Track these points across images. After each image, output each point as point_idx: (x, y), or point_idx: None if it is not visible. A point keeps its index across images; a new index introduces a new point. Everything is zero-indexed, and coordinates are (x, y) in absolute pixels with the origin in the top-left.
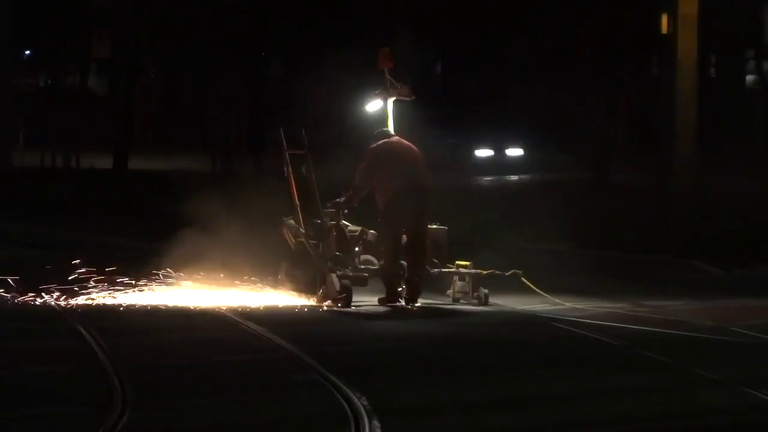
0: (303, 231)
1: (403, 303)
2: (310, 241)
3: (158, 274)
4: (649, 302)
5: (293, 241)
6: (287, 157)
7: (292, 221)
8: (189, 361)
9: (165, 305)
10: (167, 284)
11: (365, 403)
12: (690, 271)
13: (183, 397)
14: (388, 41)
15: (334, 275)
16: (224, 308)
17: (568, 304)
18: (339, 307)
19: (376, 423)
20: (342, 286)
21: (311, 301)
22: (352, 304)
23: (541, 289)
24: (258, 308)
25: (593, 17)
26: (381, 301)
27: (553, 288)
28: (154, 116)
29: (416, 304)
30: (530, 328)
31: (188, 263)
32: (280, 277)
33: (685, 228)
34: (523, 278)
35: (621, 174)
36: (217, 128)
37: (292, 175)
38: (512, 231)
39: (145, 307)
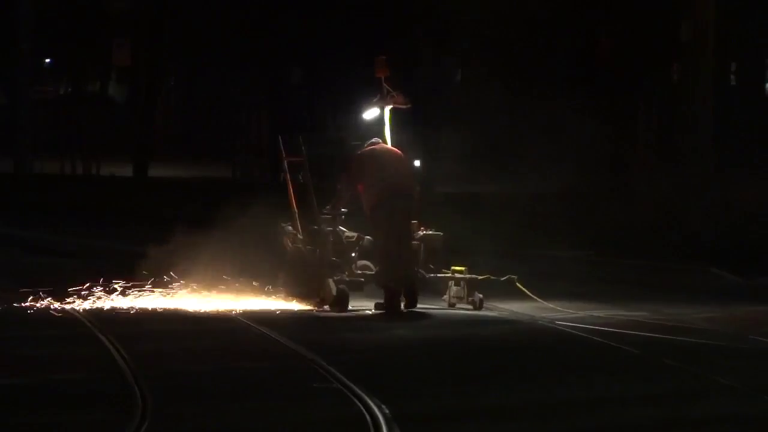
0: (300, 237)
1: (402, 307)
2: (307, 247)
3: (171, 280)
4: (668, 310)
5: (291, 247)
6: (285, 165)
7: (290, 227)
8: (209, 368)
9: (181, 309)
10: (181, 290)
11: (385, 410)
12: (709, 279)
13: (203, 404)
14: (407, 51)
15: (331, 280)
16: (238, 313)
17: (585, 312)
18: (336, 312)
19: (396, 430)
20: (338, 291)
21: (309, 307)
22: (349, 308)
23: (550, 295)
24: (272, 313)
25: (612, 25)
26: (377, 306)
27: (570, 295)
28: (174, 124)
29: (414, 309)
30: (546, 335)
31: (199, 269)
32: (278, 282)
33: (703, 236)
34: (517, 283)
35: (641, 182)
36: (237, 136)
37: (289, 182)
38: (532, 239)
39: (162, 312)
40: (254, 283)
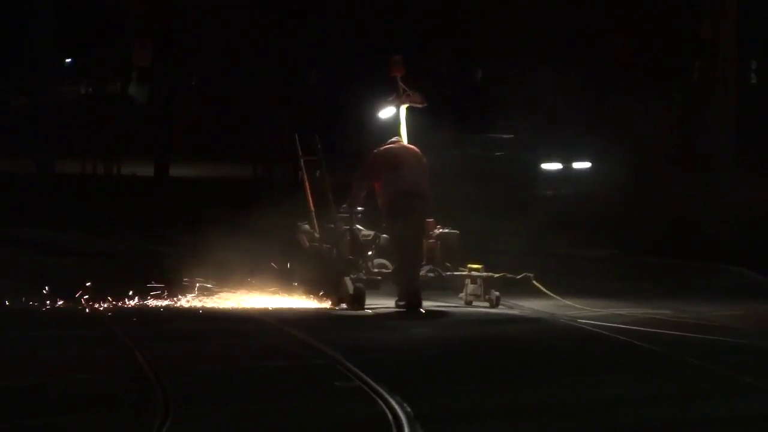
0: (317, 236)
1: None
2: (324, 246)
3: (191, 280)
4: (690, 308)
5: (308, 245)
6: (302, 164)
7: (307, 226)
8: (230, 368)
9: (201, 308)
10: (201, 289)
11: (408, 409)
12: (731, 278)
13: (225, 404)
14: (426, 50)
15: (347, 279)
16: (259, 311)
17: (608, 310)
18: (353, 309)
19: (419, 429)
20: (355, 289)
21: (326, 305)
22: (366, 307)
23: (572, 293)
24: (292, 312)
25: (632, 24)
26: (397, 305)
27: (593, 293)
28: (195, 123)
29: (419, 307)
30: (569, 333)
31: (218, 268)
32: (296, 281)
33: (726, 234)
34: (534, 281)
35: (662, 181)
36: (258, 136)
37: (306, 181)
38: (555, 238)
39: (183, 312)
40: (268, 286)
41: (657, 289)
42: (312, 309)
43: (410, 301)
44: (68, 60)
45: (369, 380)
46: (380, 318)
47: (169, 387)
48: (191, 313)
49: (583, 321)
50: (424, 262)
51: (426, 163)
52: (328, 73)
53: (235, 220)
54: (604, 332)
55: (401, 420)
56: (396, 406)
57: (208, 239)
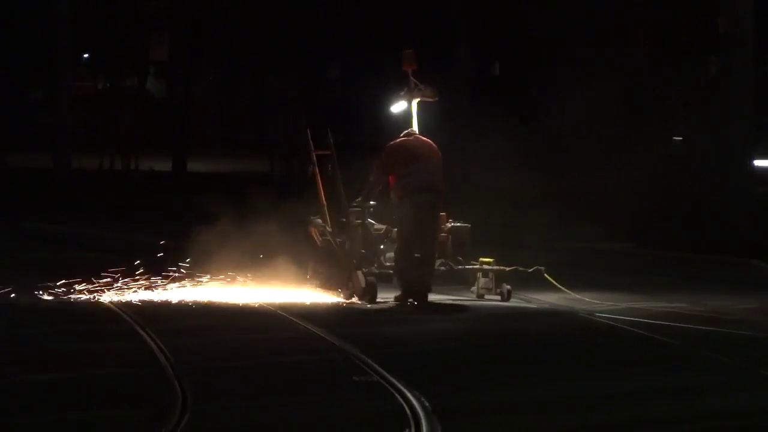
0: (329, 229)
1: (413, 300)
2: (337, 240)
3: (209, 274)
4: (708, 301)
5: (320, 239)
6: (314, 158)
7: (319, 220)
8: (248, 362)
9: (218, 302)
10: (218, 283)
11: (426, 403)
12: (749, 271)
13: (243, 399)
14: (445, 44)
15: (360, 272)
16: (275, 306)
17: (626, 303)
18: (365, 303)
19: (437, 424)
20: (367, 283)
21: (338, 298)
22: (378, 300)
23: (590, 287)
24: (307, 306)
25: (650, 16)
26: (397, 299)
27: (610, 287)
28: (213, 118)
29: (426, 300)
30: (586, 327)
31: (235, 262)
32: (308, 275)
33: (743, 228)
34: (546, 274)
35: (681, 173)
36: (275, 130)
37: (318, 175)
38: (572, 231)
39: (200, 307)
40: (281, 279)
41: (674, 282)
42: (326, 303)
43: (406, 294)
44: (85, 55)
45: (387, 375)
46: (398, 312)
47: (187, 382)
48: (205, 308)
49: (601, 315)
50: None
51: (440, 156)
52: (348, 67)
53: (250, 214)
54: (621, 326)
55: (419, 414)
56: (414, 401)
57: (222, 233)
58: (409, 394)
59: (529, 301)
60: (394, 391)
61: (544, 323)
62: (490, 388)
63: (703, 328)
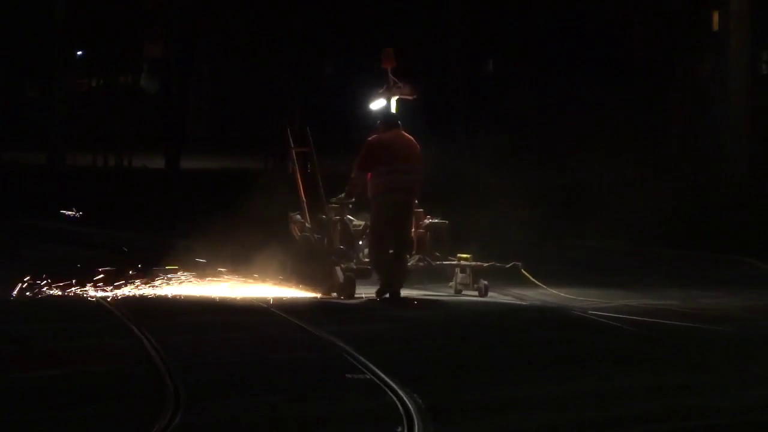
0: (308, 225)
1: (388, 294)
2: (316, 236)
3: (196, 271)
4: (702, 300)
5: (299, 235)
6: (293, 155)
7: (298, 216)
8: (241, 359)
9: (206, 297)
10: (200, 280)
11: (419, 401)
12: (743, 269)
13: (236, 396)
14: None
15: (338, 268)
16: (264, 302)
17: (619, 301)
18: (342, 299)
19: (429, 421)
20: (345, 279)
21: (317, 294)
22: (356, 295)
23: (582, 284)
24: (300, 303)
25: (645, 13)
26: (378, 294)
27: (599, 284)
28: (206, 115)
29: (398, 296)
30: (577, 324)
31: (214, 259)
32: (288, 270)
33: (738, 226)
34: (522, 270)
35: (672, 171)
36: (269, 127)
37: (297, 172)
38: (564, 229)
39: (192, 304)
40: (255, 275)
41: (667, 280)
42: (308, 299)
43: (383, 289)
44: (79, 52)
45: (379, 372)
46: (389, 309)
47: (179, 379)
48: (196, 303)
49: (595, 312)
50: (414, 252)
51: (419, 155)
52: (341, 65)
53: (239, 211)
54: (615, 324)
55: (411, 412)
56: (406, 398)
57: (210, 230)
58: (401, 392)
59: (522, 299)
60: (386, 389)
61: (536, 321)
62: (484, 385)
63: (697, 325)
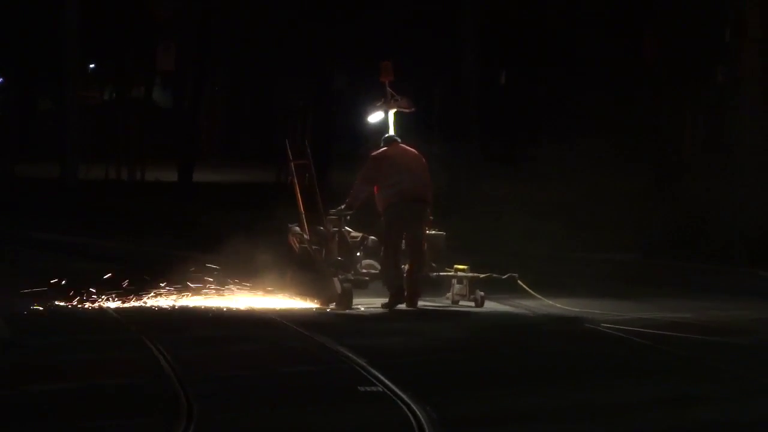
0: (307, 237)
1: (404, 306)
2: (314, 247)
3: (208, 284)
4: (714, 311)
5: (298, 246)
6: (292, 167)
7: (297, 228)
8: (252, 372)
9: (218, 309)
10: (212, 293)
11: (432, 414)
12: (755, 281)
13: (249, 409)
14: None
15: (336, 279)
16: (274, 313)
17: (633, 314)
18: (340, 309)
19: None
20: (343, 290)
21: (315, 305)
22: (353, 306)
23: (596, 297)
24: (312, 316)
25: (658, 22)
26: (384, 306)
27: (614, 296)
28: (219, 128)
29: (414, 308)
30: (588, 337)
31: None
32: (286, 281)
33: (750, 238)
34: (519, 281)
35: (687, 183)
36: (283, 140)
37: (296, 184)
38: (577, 241)
39: (204, 316)
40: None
41: (679, 292)
42: (319, 311)
43: (394, 302)
44: (92, 65)
45: (392, 385)
46: (401, 321)
47: (192, 392)
48: (210, 317)
49: (607, 325)
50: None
51: (425, 165)
52: (355, 78)
53: (250, 224)
54: (627, 336)
55: (424, 425)
56: (419, 411)
57: (220, 243)
58: (414, 405)
59: (532, 311)
60: (399, 402)
61: (548, 332)
62: (497, 397)
63: (709, 338)
